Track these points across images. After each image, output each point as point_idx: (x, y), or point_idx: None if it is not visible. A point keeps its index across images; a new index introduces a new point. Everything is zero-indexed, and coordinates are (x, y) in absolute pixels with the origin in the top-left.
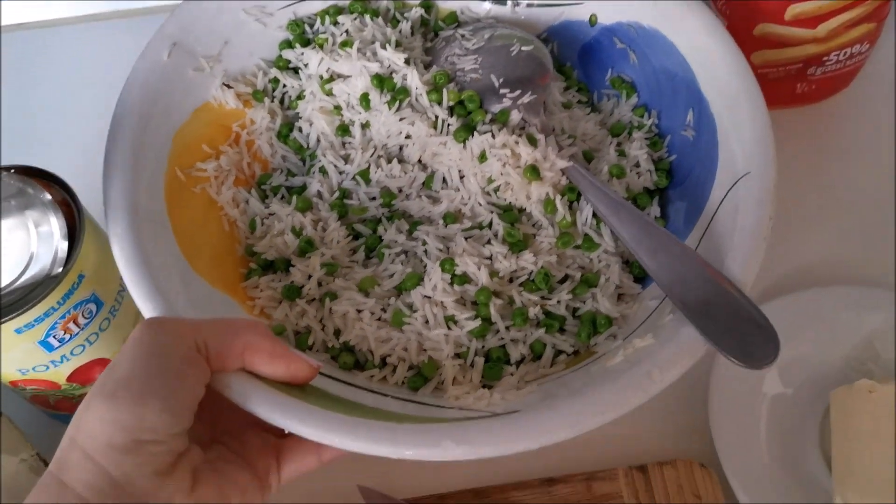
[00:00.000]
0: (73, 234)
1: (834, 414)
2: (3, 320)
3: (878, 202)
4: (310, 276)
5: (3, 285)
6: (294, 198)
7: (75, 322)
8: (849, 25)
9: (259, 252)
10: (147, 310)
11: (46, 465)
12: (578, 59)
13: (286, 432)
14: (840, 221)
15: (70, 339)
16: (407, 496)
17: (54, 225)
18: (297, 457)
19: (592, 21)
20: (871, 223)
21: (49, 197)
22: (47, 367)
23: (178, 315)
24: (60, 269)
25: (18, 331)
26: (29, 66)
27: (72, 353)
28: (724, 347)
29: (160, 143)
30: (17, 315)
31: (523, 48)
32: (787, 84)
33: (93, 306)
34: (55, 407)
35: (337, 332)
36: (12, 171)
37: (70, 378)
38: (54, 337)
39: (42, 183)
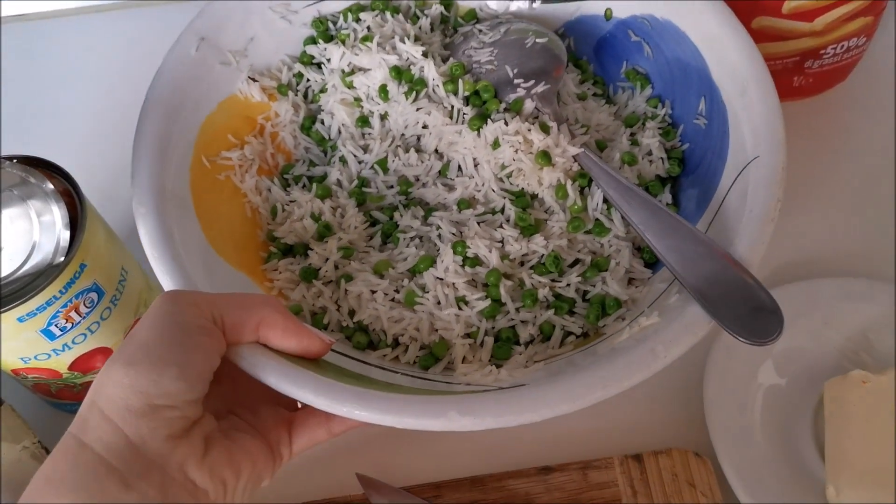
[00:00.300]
0: (75, 223)
1: (828, 404)
2: (5, 309)
3: (875, 195)
4: (327, 259)
5: (5, 274)
6: (314, 185)
7: (77, 311)
8: (846, 19)
9: (279, 237)
10: (168, 284)
11: (48, 452)
12: (594, 53)
13: (298, 406)
14: (837, 214)
15: (72, 327)
16: (404, 485)
17: (56, 214)
18: (309, 429)
19: (608, 15)
20: (868, 216)
21: (51, 186)
22: (49, 356)
23: (198, 291)
24: (62, 259)
25: (21, 319)
26: (30, 58)
27: (73, 342)
28: (729, 325)
29: (187, 132)
30: (20, 304)
31: (538, 41)
32: (785, 77)
33: (94, 295)
34: (56, 395)
35: (351, 313)
36: (14, 161)
37: (72, 367)
38: (56, 326)
39: (44, 173)
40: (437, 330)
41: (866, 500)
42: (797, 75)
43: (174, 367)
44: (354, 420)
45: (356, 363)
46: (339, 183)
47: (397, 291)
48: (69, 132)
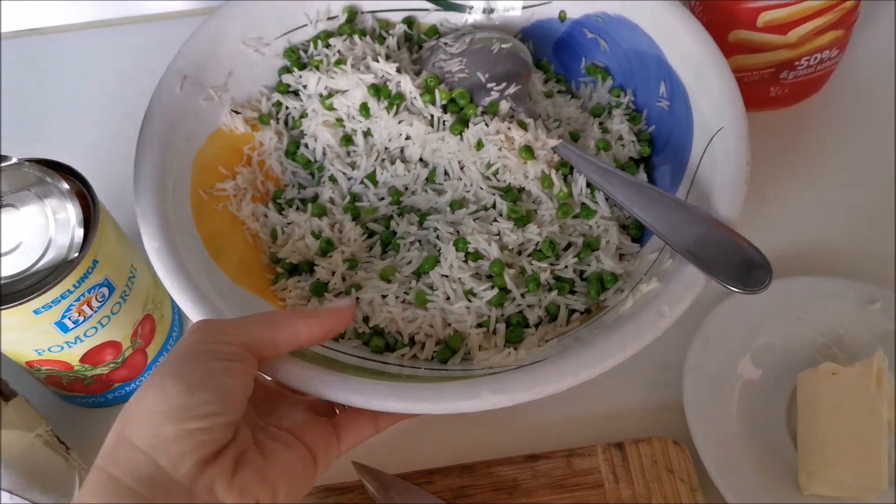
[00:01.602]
0: (88, 222)
1: (800, 394)
2: (23, 301)
3: (848, 199)
4: (333, 273)
5: (22, 269)
6: (309, 206)
7: (89, 305)
8: (817, 32)
9: (283, 257)
10: (191, 312)
11: (60, 440)
12: (553, 53)
13: (335, 409)
14: (810, 216)
15: (84, 320)
16: (397, 472)
17: (71, 213)
18: (357, 428)
19: (562, 17)
20: (840, 219)
21: (66, 186)
22: (62, 348)
23: (223, 315)
24: (76, 255)
25: (37, 311)
26: (42, 69)
27: (85, 335)
28: (723, 278)
29: (182, 167)
30: (37, 296)
31: (503, 46)
32: (762, 88)
33: (105, 290)
34: (68, 388)
35: (366, 319)
36: (32, 162)
37: (83, 359)
38: (69, 319)
39: (59, 174)
40: (450, 324)
41: (836, 483)
42: (773, 86)
43: (208, 392)
44: (398, 414)
45: (378, 364)
46: (331, 201)
47: (407, 293)
48: (78, 138)
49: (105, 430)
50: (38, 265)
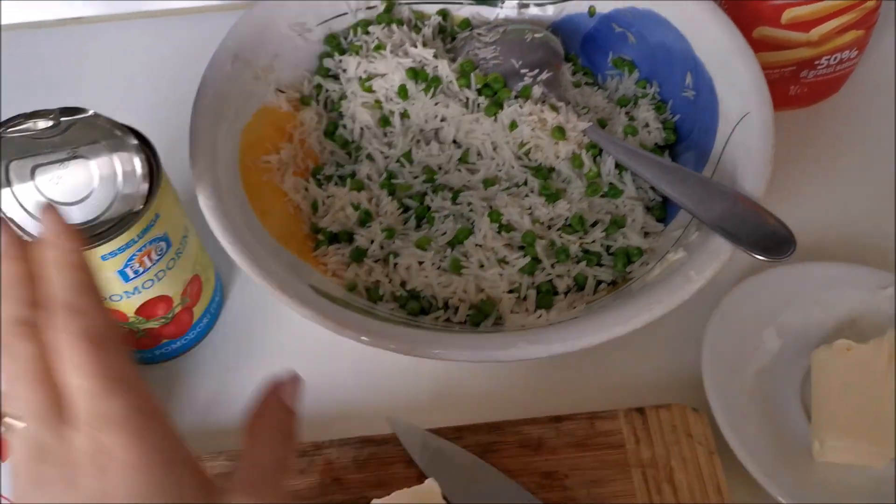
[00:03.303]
0: (152, 177)
1: (814, 370)
2: (94, 245)
3: (862, 195)
4: (372, 241)
5: (93, 217)
6: (348, 180)
7: (149, 257)
8: (839, 31)
9: (324, 227)
10: (248, 268)
11: None
12: (581, 47)
13: None
14: (825, 210)
15: (143, 272)
16: (429, 427)
17: (137, 167)
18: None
19: (591, 12)
20: (854, 212)
21: (135, 141)
22: (121, 297)
23: (273, 271)
24: (141, 207)
25: (104, 258)
26: (81, 56)
27: (143, 287)
28: (749, 247)
29: (231, 138)
30: (106, 242)
31: (536, 35)
32: (782, 86)
33: (163, 245)
34: None
35: (402, 284)
36: (104, 117)
37: (138, 311)
38: (131, 268)
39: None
40: (482, 290)
41: (848, 450)
42: (793, 85)
43: None
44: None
45: (414, 325)
46: (368, 177)
47: (442, 261)
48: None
49: (152, 387)
50: (106, 215)
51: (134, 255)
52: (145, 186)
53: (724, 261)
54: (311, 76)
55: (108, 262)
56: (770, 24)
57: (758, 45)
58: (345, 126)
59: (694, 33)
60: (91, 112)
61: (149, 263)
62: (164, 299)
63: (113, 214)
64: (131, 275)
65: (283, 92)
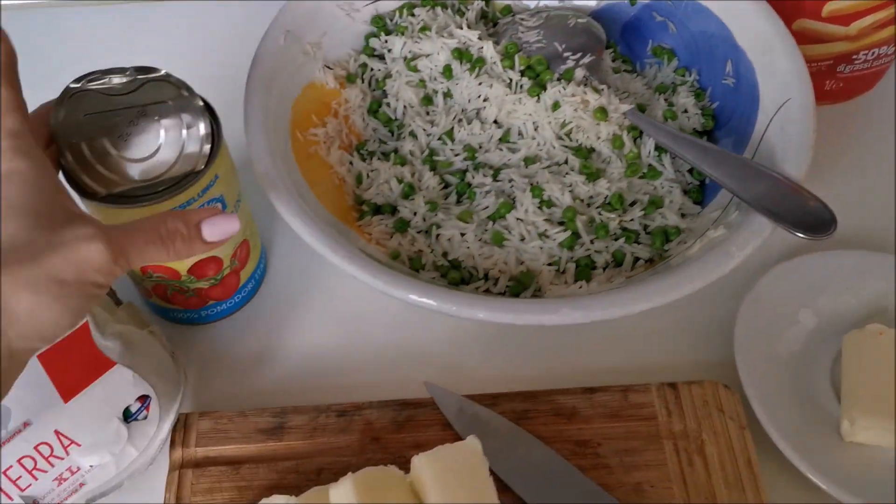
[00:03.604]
0: (214, 138)
1: (845, 351)
2: (159, 201)
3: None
4: (415, 213)
5: (159, 174)
6: (392, 155)
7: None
8: (878, 26)
9: (368, 199)
10: (303, 231)
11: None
12: (620, 35)
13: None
14: (858, 201)
15: None
16: (465, 393)
17: (201, 128)
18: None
19: (633, 1)
20: (886, 203)
21: (201, 103)
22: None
23: (327, 234)
24: (203, 167)
25: None
26: (140, 33)
27: None
28: (790, 226)
29: (283, 109)
30: (169, 198)
31: (579, 21)
32: (818, 80)
33: (219, 206)
34: (170, 299)
35: (444, 255)
36: (174, 77)
37: (190, 270)
38: None
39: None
40: (522, 262)
41: (877, 431)
42: (830, 79)
43: None
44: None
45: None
46: (411, 153)
47: (484, 233)
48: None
49: (193, 337)
50: (169, 173)
51: None
52: (207, 147)
53: (765, 238)
54: (357, 55)
55: None
56: (811, 16)
57: (797, 38)
58: (388, 104)
59: (736, 22)
60: (163, 72)
61: None
62: (216, 260)
63: (176, 173)
64: None
65: (330, 69)
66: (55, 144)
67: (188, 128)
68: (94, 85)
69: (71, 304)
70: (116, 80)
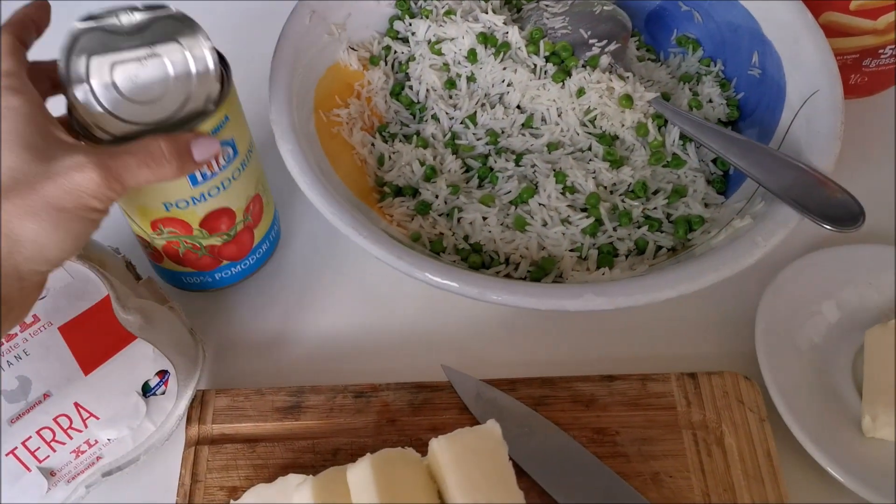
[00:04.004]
0: (223, 78)
1: (867, 346)
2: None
3: None
4: (437, 196)
5: (167, 115)
6: (414, 137)
7: (216, 160)
8: None
9: (389, 181)
10: (325, 208)
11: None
12: (645, 24)
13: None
14: (882, 195)
15: (211, 176)
16: (484, 378)
17: (210, 66)
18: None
19: None
20: None
21: (210, 43)
22: (188, 204)
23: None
24: (212, 107)
25: None
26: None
27: (209, 194)
28: (817, 217)
29: (307, 88)
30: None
31: (605, 8)
32: (844, 74)
33: (230, 150)
34: (182, 259)
35: (465, 238)
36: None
37: (202, 223)
38: (199, 171)
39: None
40: (544, 247)
41: None
42: (855, 73)
43: None
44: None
45: None
46: (433, 136)
47: (506, 217)
48: None
49: (211, 315)
50: (179, 115)
51: None
52: (217, 87)
53: (791, 229)
54: (381, 37)
55: None
56: (838, 10)
57: (824, 31)
58: (411, 87)
59: (763, 13)
60: (173, 9)
61: (216, 168)
62: (228, 213)
63: (185, 114)
64: (199, 178)
65: (354, 50)
66: (62, 87)
67: (197, 66)
68: (100, 23)
69: (71, 229)
70: (125, 18)
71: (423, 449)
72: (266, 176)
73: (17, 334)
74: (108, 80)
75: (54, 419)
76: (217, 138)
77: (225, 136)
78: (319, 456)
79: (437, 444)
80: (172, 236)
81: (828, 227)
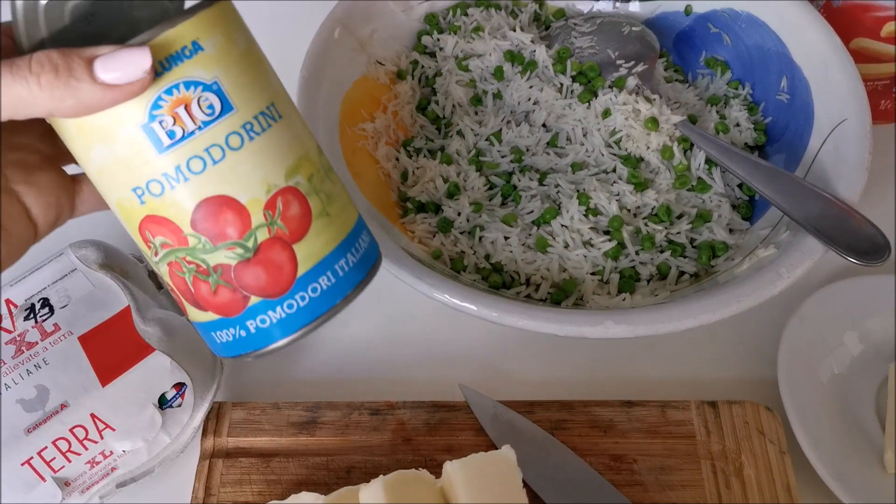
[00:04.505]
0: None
1: (892, 381)
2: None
3: None
4: (459, 213)
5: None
6: (438, 153)
7: (188, 109)
8: None
9: (412, 196)
10: None
11: None
12: (673, 45)
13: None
14: None
15: (184, 137)
16: (501, 399)
17: None
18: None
19: (688, 11)
20: None
21: None
22: (162, 187)
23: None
24: (169, 23)
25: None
26: None
27: (189, 168)
28: (843, 250)
29: (333, 101)
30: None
31: (633, 28)
32: (873, 100)
33: (214, 99)
34: (196, 298)
35: (487, 257)
36: None
37: (196, 221)
38: (161, 123)
39: None
40: (565, 270)
41: None
42: (884, 99)
43: None
44: None
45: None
46: (457, 152)
47: (527, 238)
48: None
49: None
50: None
51: (160, 96)
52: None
53: (816, 261)
54: (408, 52)
55: (126, 108)
56: (869, 35)
57: (854, 57)
58: (437, 102)
59: (793, 38)
60: None
61: (190, 123)
62: (232, 205)
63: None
64: (164, 138)
65: (382, 64)
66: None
67: None
68: None
69: None
70: None
71: (437, 470)
72: (334, 172)
73: (37, 342)
74: (65, 26)
75: (70, 429)
76: (180, 75)
77: (200, 73)
78: (333, 473)
79: (451, 468)
80: (168, 252)
81: (853, 260)
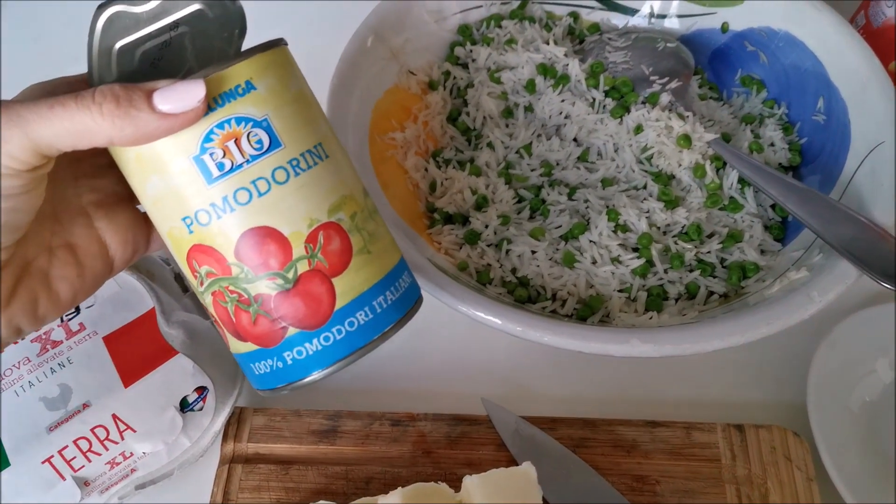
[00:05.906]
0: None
1: None
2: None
3: None
4: (487, 226)
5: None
6: (468, 165)
7: (238, 144)
8: None
9: (440, 207)
10: None
11: None
12: (709, 62)
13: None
14: None
15: (232, 170)
16: (523, 415)
17: (234, 27)
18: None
19: (724, 28)
20: None
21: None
22: (209, 216)
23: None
24: (227, 64)
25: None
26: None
27: (236, 199)
28: (877, 274)
29: (364, 109)
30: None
31: (668, 45)
32: None
33: (264, 135)
34: (237, 328)
35: (513, 271)
36: None
37: (239, 251)
38: (211, 155)
39: None
40: (592, 286)
41: None
42: None
43: None
44: None
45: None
46: (487, 164)
47: (555, 253)
48: None
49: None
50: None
51: (213, 129)
52: (241, 42)
53: (849, 285)
54: (440, 62)
55: (180, 140)
56: None
57: (893, 79)
58: (468, 113)
59: (831, 58)
60: None
61: (238, 156)
62: (275, 237)
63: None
64: (213, 169)
65: (413, 74)
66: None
67: (222, 32)
68: (120, 7)
69: None
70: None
71: (456, 484)
72: (379, 215)
73: (62, 341)
74: (132, 69)
75: (91, 429)
76: (233, 110)
77: (251, 110)
78: (352, 483)
79: (471, 483)
80: (212, 281)
81: (888, 286)
